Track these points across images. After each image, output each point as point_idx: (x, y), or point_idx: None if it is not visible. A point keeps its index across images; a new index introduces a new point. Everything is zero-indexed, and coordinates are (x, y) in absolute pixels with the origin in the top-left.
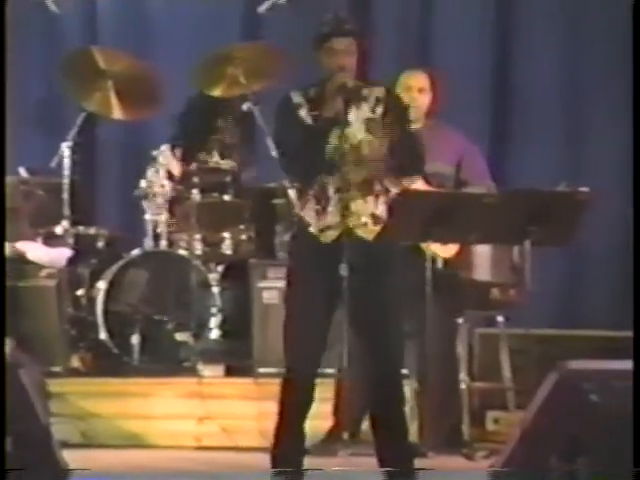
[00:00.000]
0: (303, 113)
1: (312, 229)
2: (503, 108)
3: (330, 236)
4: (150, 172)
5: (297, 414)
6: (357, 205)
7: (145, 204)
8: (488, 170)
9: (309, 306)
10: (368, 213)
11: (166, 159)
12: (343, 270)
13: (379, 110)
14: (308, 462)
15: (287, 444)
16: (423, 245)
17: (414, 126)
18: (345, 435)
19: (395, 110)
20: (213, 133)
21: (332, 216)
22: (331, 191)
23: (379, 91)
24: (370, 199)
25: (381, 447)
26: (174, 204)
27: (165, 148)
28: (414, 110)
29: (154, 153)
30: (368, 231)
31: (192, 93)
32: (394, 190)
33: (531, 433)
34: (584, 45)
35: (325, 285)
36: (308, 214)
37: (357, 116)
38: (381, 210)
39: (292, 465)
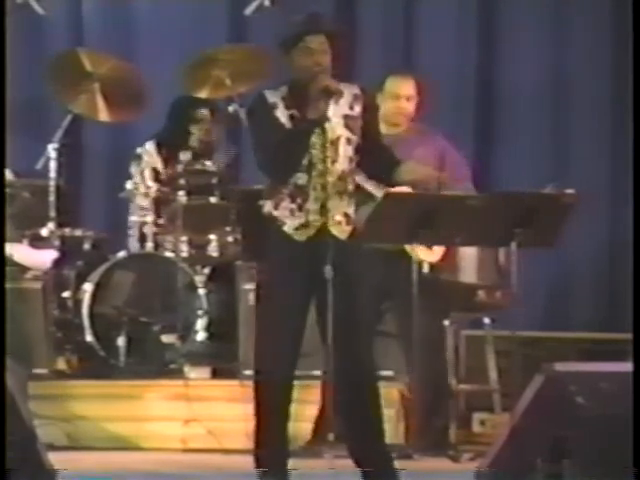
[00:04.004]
0: (279, 113)
1: (286, 228)
2: (487, 109)
3: (305, 234)
4: (134, 170)
5: (274, 416)
6: (333, 203)
7: (131, 206)
8: (469, 172)
9: (285, 306)
10: (342, 211)
11: (151, 157)
12: (328, 273)
13: (357, 108)
14: (293, 464)
15: (267, 446)
16: (408, 248)
17: (397, 131)
18: (330, 436)
19: (372, 110)
20: (195, 134)
21: (308, 214)
22: (307, 189)
23: (355, 89)
24: (345, 197)
25: (355, 449)
26: (160, 206)
27: (150, 146)
28: (399, 116)
29: (138, 151)
30: (342, 230)
31: (176, 93)
32: (373, 190)
33: (517, 435)
34: (568, 44)
35: (300, 284)
36: (282, 213)
37: (335, 112)
38: (352, 210)
39: (275, 467)
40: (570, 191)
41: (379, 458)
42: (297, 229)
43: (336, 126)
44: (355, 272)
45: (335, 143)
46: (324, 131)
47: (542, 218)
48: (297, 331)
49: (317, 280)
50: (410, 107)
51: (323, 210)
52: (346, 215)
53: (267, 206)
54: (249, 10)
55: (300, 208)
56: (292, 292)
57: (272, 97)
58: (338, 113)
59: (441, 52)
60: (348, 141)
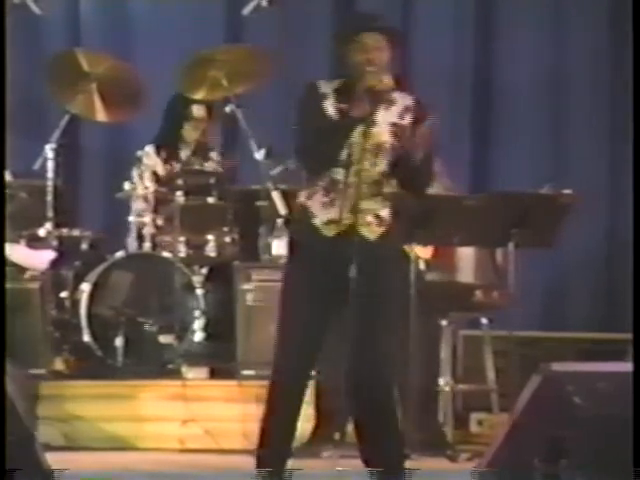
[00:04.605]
0: (328, 104)
1: (316, 221)
2: (485, 108)
3: (333, 230)
4: (134, 174)
5: (285, 416)
6: (366, 203)
7: (129, 206)
8: (444, 169)
9: (306, 302)
10: (374, 213)
11: (151, 160)
12: (352, 272)
13: (408, 118)
14: (293, 464)
15: (272, 446)
16: (407, 248)
17: None
18: (336, 436)
19: (422, 122)
20: (191, 133)
21: (339, 210)
22: (342, 185)
23: (409, 100)
24: (378, 199)
25: (372, 450)
26: (158, 206)
27: (149, 149)
28: None
29: (138, 153)
30: (371, 231)
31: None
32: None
33: (515, 435)
34: (567, 44)
35: (324, 283)
36: (314, 205)
37: (384, 118)
38: (386, 212)
39: (277, 467)
40: (567, 191)
41: (399, 458)
42: (327, 224)
43: (382, 132)
44: (380, 274)
45: (378, 148)
46: (368, 132)
47: (539, 218)
48: (318, 331)
49: (341, 279)
50: None
51: (355, 209)
52: (378, 217)
53: (301, 196)
54: (246, 10)
55: (332, 203)
56: (315, 290)
57: (325, 88)
58: (387, 120)
59: (439, 52)
60: (392, 148)
